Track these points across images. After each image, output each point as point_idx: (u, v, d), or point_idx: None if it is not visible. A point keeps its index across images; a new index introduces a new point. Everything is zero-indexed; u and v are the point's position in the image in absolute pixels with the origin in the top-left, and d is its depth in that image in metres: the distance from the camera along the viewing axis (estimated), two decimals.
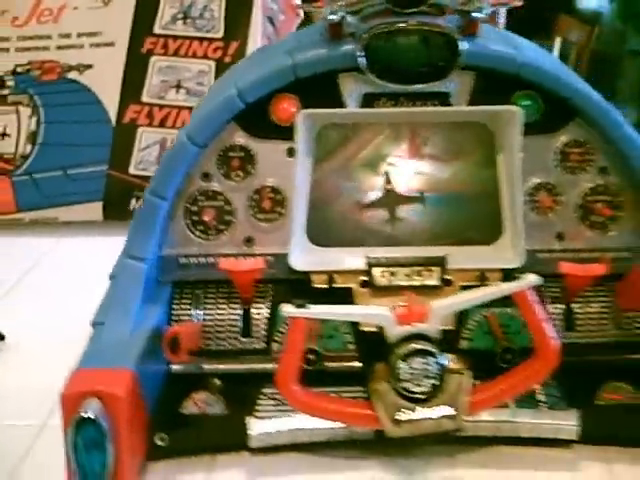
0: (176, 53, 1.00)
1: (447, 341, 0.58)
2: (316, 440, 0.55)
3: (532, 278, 0.51)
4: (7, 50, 1.03)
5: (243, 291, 0.59)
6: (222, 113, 0.59)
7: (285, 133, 0.59)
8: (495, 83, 0.59)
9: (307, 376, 0.57)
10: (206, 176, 0.61)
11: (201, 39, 0.99)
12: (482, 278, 0.60)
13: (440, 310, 0.51)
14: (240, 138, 0.60)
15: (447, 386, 0.51)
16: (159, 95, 0.99)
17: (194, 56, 0.99)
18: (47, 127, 1.00)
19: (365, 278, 0.60)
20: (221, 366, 0.59)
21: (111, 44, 1.01)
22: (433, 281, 0.59)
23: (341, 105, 0.59)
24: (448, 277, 0.59)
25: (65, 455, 0.50)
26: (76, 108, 1.00)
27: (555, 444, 0.56)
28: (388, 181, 0.62)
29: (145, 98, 0.99)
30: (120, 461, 0.50)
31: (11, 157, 1.00)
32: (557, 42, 2.97)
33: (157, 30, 1.01)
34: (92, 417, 0.49)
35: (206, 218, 0.61)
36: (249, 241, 0.62)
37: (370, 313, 0.52)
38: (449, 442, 0.55)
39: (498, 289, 0.53)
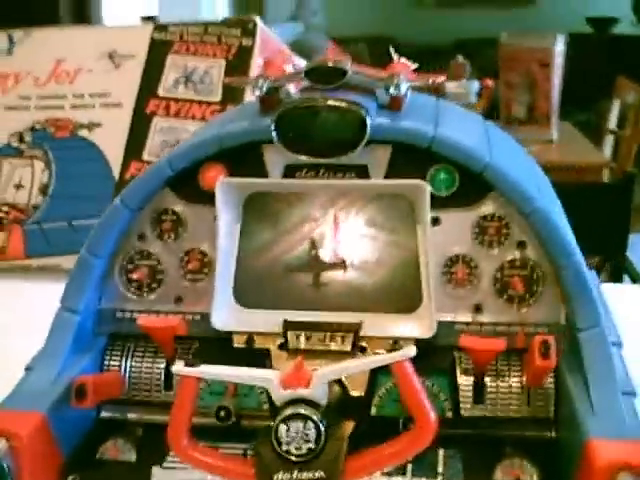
0: (177, 114, 1.06)
1: (358, 407, 0.60)
2: None
3: (409, 350, 0.52)
4: (28, 108, 1.11)
5: (163, 346, 0.63)
6: (153, 179, 0.64)
7: (213, 199, 0.63)
8: (411, 156, 0.61)
9: (221, 432, 0.60)
10: (142, 237, 0.65)
11: (200, 102, 1.05)
12: (395, 347, 0.61)
13: (322, 378, 0.53)
14: (172, 203, 0.64)
15: (325, 451, 0.52)
16: (158, 154, 1.04)
17: (193, 118, 1.05)
18: (57, 180, 1.07)
19: (282, 340, 0.62)
20: (141, 416, 0.63)
21: (119, 104, 1.08)
22: (346, 347, 0.61)
23: (265, 175, 0.63)
24: (362, 344, 0.61)
25: None
26: (84, 163, 1.07)
27: None
28: (313, 247, 0.65)
29: (146, 156, 1.05)
30: None
31: (24, 207, 1.08)
32: (616, 104, 2.94)
33: (161, 92, 1.07)
34: None
35: (140, 276, 0.65)
36: (179, 299, 0.65)
37: (256, 376, 0.54)
38: None
39: (377, 359, 0.54)
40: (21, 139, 1.10)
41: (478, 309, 0.62)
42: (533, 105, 2.58)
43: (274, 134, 0.59)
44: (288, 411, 0.52)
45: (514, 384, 0.60)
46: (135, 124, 1.07)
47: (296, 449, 0.52)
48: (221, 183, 0.61)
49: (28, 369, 0.62)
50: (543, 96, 2.58)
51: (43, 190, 1.07)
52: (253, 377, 0.54)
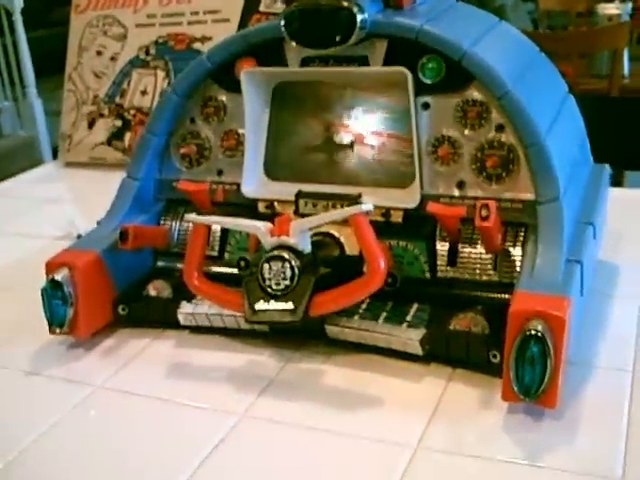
0: None
1: (353, 265, 0.71)
2: (228, 326, 0.71)
3: (364, 206, 0.62)
4: (154, 25, 1.27)
5: (201, 207, 0.76)
6: (196, 71, 0.76)
7: None
8: (404, 48, 0.69)
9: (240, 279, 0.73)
10: (192, 120, 0.79)
11: None
12: (386, 215, 0.71)
13: (298, 227, 0.64)
14: (215, 91, 0.77)
15: (297, 288, 0.64)
16: None
17: None
18: None
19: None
20: (181, 265, 0.77)
21: (227, 20, 1.21)
22: None
23: (285, 66, 0.74)
24: None
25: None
26: None
27: (411, 359, 0.66)
28: (327, 130, 0.75)
29: None
30: (77, 315, 0.70)
31: (148, 111, 1.25)
32: None
33: (262, 8, 1.19)
34: (58, 280, 0.70)
35: (189, 152, 0.79)
36: (220, 172, 0.78)
37: (249, 224, 0.66)
38: (330, 345, 0.68)
39: (340, 211, 0.65)
40: (147, 52, 1.26)
41: (461, 185, 0.70)
42: None
43: (283, 29, 0.70)
44: (272, 253, 0.64)
45: (484, 252, 0.68)
46: None
47: (275, 284, 0.64)
48: (244, 73, 0.73)
49: (98, 223, 0.79)
50: None
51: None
52: (247, 225, 0.67)
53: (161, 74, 1.25)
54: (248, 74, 0.73)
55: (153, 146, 0.79)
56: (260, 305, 0.64)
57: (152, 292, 0.75)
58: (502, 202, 0.69)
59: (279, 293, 0.64)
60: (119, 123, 1.27)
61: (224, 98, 0.77)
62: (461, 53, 0.67)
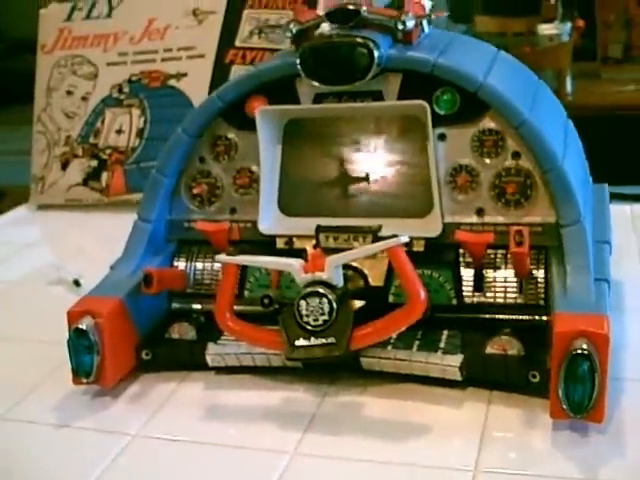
0: (252, 62, 1.18)
1: (378, 295, 0.72)
2: (259, 364, 0.71)
3: (402, 238, 0.63)
4: (125, 63, 1.26)
5: (218, 247, 0.76)
6: (207, 110, 0.77)
7: None
8: (418, 82, 0.71)
9: (265, 317, 0.73)
10: (202, 159, 0.79)
11: (272, 50, 1.17)
12: (409, 244, 0.72)
13: (333, 262, 0.65)
14: (225, 130, 0.77)
15: (336, 322, 0.64)
16: None
17: None
18: (151, 125, 1.23)
19: (315, 242, 0.74)
20: (203, 305, 0.77)
21: (202, 56, 1.22)
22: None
23: (298, 103, 0.74)
24: None
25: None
26: (173, 109, 1.21)
27: (447, 384, 0.67)
28: (341, 164, 0.76)
29: None
30: (104, 363, 0.69)
31: (124, 149, 1.24)
32: None
33: (238, 43, 1.20)
34: (83, 329, 0.69)
35: (201, 191, 0.79)
36: (233, 210, 0.79)
37: (282, 262, 0.67)
38: (363, 376, 0.69)
39: (376, 245, 0.66)
40: (120, 90, 1.25)
41: (480, 212, 0.72)
42: (629, 44, 2.54)
43: (299, 67, 0.71)
44: (308, 289, 0.65)
45: (509, 275, 0.70)
46: (216, 72, 1.20)
47: (313, 320, 0.64)
48: (260, 111, 0.74)
49: (112, 268, 0.78)
50: None
51: (139, 134, 1.23)
52: (280, 263, 0.67)
53: (136, 112, 1.24)
54: (263, 112, 0.74)
55: (164, 187, 0.78)
56: (300, 342, 0.64)
57: (175, 335, 0.74)
58: (522, 226, 0.71)
59: (318, 329, 0.64)
60: (94, 163, 1.25)
61: (234, 136, 0.78)
62: (477, 85, 0.69)
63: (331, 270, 0.65)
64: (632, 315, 0.77)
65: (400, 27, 0.71)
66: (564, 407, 0.59)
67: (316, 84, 0.72)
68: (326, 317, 0.64)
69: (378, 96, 0.72)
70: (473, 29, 3.40)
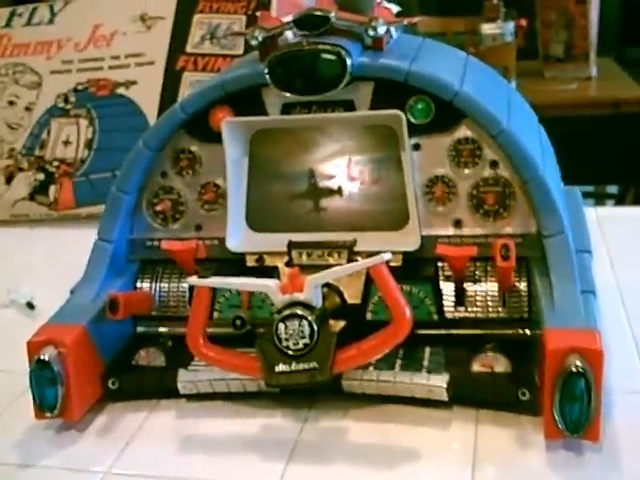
0: (204, 68, 1.14)
1: (355, 313, 0.69)
2: (233, 390, 0.67)
3: (385, 255, 0.60)
4: (70, 71, 1.21)
5: (185, 267, 0.72)
6: (169, 122, 0.73)
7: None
8: (391, 90, 0.68)
9: (238, 339, 0.70)
10: (164, 174, 0.75)
11: (224, 56, 1.14)
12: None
13: (312, 282, 0.61)
14: (188, 143, 0.74)
15: (318, 345, 0.61)
16: None
17: (219, 71, 1.13)
18: (100, 135, 1.18)
19: (288, 258, 0.71)
20: (170, 329, 0.73)
21: (152, 63, 1.17)
22: (342, 261, 0.70)
23: (265, 114, 0.71)
24: (356, 258, 0.70)
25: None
26: (123, 118, 1.17)
27: (432, 405, 0.64)
28: (312, 176, 0.73)
29: None
30: (68, 395, 0.65)
31: (72, 161, 1.18)
32: None
33: (189, 49, 1.16)
34: (45, 360, 0.64)
35: (164, 208, 0.75)
36: (199, 227, 0.75)
37: (258, 284, 0.63)
38: (344, 399, 0.66)
39: (357, 264, 0.63)
40: (66, 100, 1.20)
41: (458, 223, 0.70)
42: (571, 43, 2.58)
43: (267, 77, 0.68)
44: (286, 312, 0.61)
45: (491, 288, 0.68)
46: (167, 79, 1.15)
47: (294, 344, 0.61)
48: (225, 123, 0.70)
49: (72, 292, 0.73)
50: (580, 33, 2.58)
51: (88, 145, 1.18)
52: (256, 284, 0.64)
53: (84, 122, 1.19)
54: (228, 124, 0.70)
55: (124, 204, 0.74)
56: (280, 368, 0.61)
57: (143, 361, 0.70)
58: (501, 237, 0.69)
59: (299, 353, 0.61)
60: (41, 176, 1.19)
61: (198, 149, 0.74)
62: (453, 93, 0.67)
63: (310, 290, 0.62)
64: (610, 323, 0.76)
65: (371, 33, 0.68)
66: (560, 427, 0.57)
67: (285, 94, 0.69)
68: (307, 340, 0.61)
69: (349, 105, 0.70)
70: (414, 29, 3.42)
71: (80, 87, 1.20)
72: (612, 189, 2.97)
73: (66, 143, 1.19)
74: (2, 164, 1.21)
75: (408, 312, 0.60)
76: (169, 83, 1.15)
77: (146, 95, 1.16)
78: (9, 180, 1.21)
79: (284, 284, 0.62)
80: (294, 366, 0.61)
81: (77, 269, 0.83)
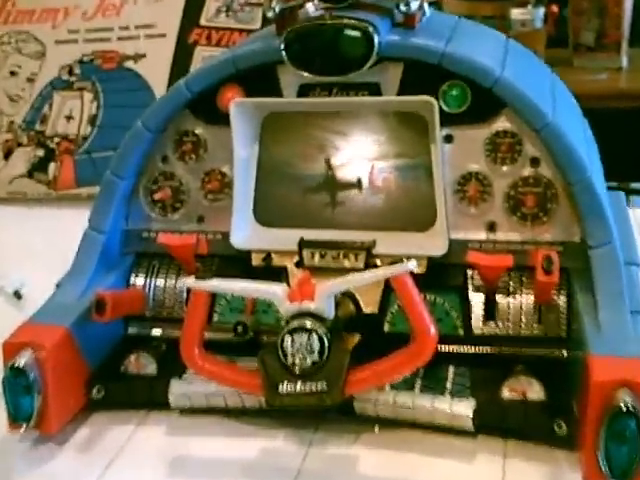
0: (218, 43, 1.06)
1: (371, 324, 0.62)
2: (231, 406, 0.60)
3: (410, 264, 0.53)
4: (76, 41, 1.13)
5: (184, 264, 0.65)
6: (172, 101, 0.65)
7: None
8: (422, 74, 0.60)
9: (240, 347, 0.63)
10: (164, 159, 0.67)
11: (241, 30, 1.06)
12: None
13: (325, 290, 0.54)
14: (192, 125, 0.66)
15: (328, 364, 0.54)
16: None
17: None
18: (105, 111, 1.10)
19: (298, 258, 0.63)
20: (165, 332, 0.66)
21: (163, 35, 1.09)
22: (359, 264, 0.62)
23: (280, 95, 0.63)
24: (375, 261, 0.62)
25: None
26: (130, 94, 1.09)
27: (454, 432, 0.57)
28: (329, 167, 0.65)
29: None
30: (46, 405, 0.58)
31: (74, 138, 1.11)
32: None
33: (203, 22, 1.08)
34: (21, 367, 0.57)
35: (163, 196, 0.67)
36: (201, 219, 0.67)
37: (263, 289, 0.56)
38: (355, 421, 0.58)
39: (377, 272, 0.55)
40: (71, 72, 1.12)
41: (492, 227, 0.62)
42: (602, 32, 2.47)
43: (283, 53, 0.60)
44: (293, 324, 0.54)
45: (526, 302, 0.60)
46: (178, 54, 1.08)
47: (300, 361, 0.54)
48: (235, 103, 0.62)
49: (58, 285, 0.66)
50: (613, 22, 2.48)
51: (92, 121, 1.10)
52: (261, 290, 0.56)
53: (88, 97, 1.11)
54: (238, 105, 0.62)
55: (119, 191, 0.66)
56: (285, 387, 0.54)
57: (132, 368, 0.63)
58: (540, 245, 0.61)
59: (307, 372, 0.54)
60: (41, 153, 1.11)
61: (203, 132, 0.66)
62: (493, 80, 0.59)
63: (322, 300, 0.54)
64: None
65: (403, 9, 0.60)
66: (603, 470, 0.49)
67: (303, 74, 0.61)
68: (316, 357, 0.54)
69: (375, 89, 0.62)
70: (438, 8, 3.32)
71: (86, 59, 1.12)
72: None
73: (68, 118, 1.11)
74: (0, 138, 1.14)
75: (433, 330, 0.53)
76: (180, 58, 1.07)
77: (155, 70, 1.08)
78: (7, 155, 1.13)
79: (292, 291, 0.54)
80: (300, 387, 0.53)
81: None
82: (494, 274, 0.59)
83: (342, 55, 0.59)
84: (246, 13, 1.06)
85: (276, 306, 0.56)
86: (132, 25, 1.11)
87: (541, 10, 2.31)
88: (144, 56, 1.10)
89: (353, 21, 0.58)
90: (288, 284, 0.63)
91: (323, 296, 0.54)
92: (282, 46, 0.60)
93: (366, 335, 0.60)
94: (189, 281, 0.56)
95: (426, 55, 0.59)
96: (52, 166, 1.11)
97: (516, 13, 2.30)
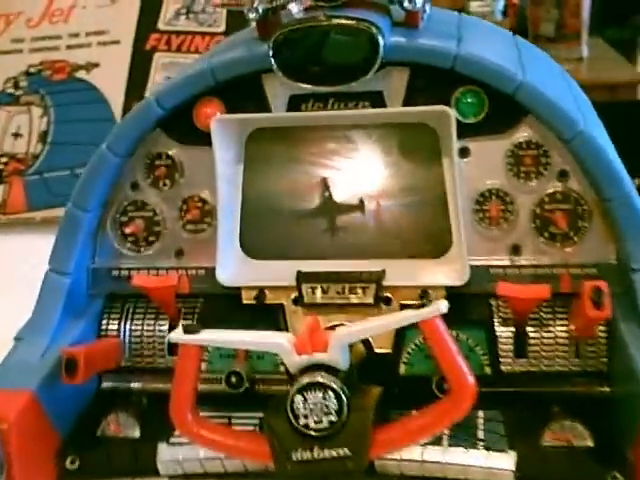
0: (179, 49, 0.98)
1: (385, 366, 0.54)
2: (230, 471, 0.52)
3: (441, 305, 0.45)
4: (21, 51, 1.04)
5: (164, 307, 0.56)
6: (142, 120, 0.56)
7: (211, 139, 0.56)
8: (432, 79, 0.53)
9: (234, 399, 0.54)
10: (134, 186, 0.59)
11: (203, 34, 0.97)
12: (424, 296, 0.54)
13: (340, 340, 0.46)
14: (165, 146, 0.58)
15: (349, 424, 0.46)
16: None
17: (196, 51, 0.97)
18: (56, 127, 1.01)
19: (296, 294, 0.55)
20: (145, 384, 0.57)
21: (117, 42, 1.01)
22: (368, 299, 0.54)
23: (267, 109, 0.55)
24: (386, 294, 0.55)
25: None
26: (83, 107, 1.01)
27: None
28: (326, 188, 0.57)
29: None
30: None
31: (24, 157, 1.02)
32: None
33: (161, 26, 1.00)
34: None
35: (135, 229, 0.59)
36: (180, 253, 0.59)
37: (266, 342, 0.48)
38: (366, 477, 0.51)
39: (404, 316, 0.47)
40: (16, 85, 1.03)
41: (516, 250, 0.55)
42: (562, 22, 2.44)
43: (272, 61, 0.52)
44: (304, 380, 0.46)
45: (560, 334, 0.53)
46: (135, 62, 1.00)
47: (316, 423, 0.46)
48: (217, 120, 0.54)
49: (17, 339, 0.57)
50: (572, 12, 2.45)
51: (42, 138, 1.02)
52: (263, 343, 0.48)
53: (37, 112, 1.02)
54: (220, 122, 0.54)
55: (84, 225, 0.58)
56: (299, 455, 0.46)
57: (111, 431, 0.54)
58: (570, 268, 0.54)
59: (324, 434, 0.46)
60: None
61: (177, 153, 0.58)
62: (515, 84, 0.51)
63: (337, 350, 0.46)
64: None
65: (407, 5, 0.52)
66: None
67: (295, 83, 0.53)
68: (333, 417, 0.46)
69: (377, 99, 0.54)
70: None
71: (33, 70, 1.04)
72: None
73: (16, 135, 1.03)
74: None
75: (472, 381, 0.45)
76: (138, 66, 1.00)
77: (110, 80, 1.01)
78: None
79: (301, 341, 0.46)
80: (317, 453, 0.46)
81: (31, 285, 0.69)
82: (528, 307, 0.52)
83: (342, 61, 0.51)
84: (208, 15, 0.98)
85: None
86: (82, 32, 1.03)
87: (501, 2, 2.27)
88: (97, 65, 1.02)
89: (352, 21, 0.50)
90: (286, 325, 0.56)
91: (337, 346, 0.46)
92: (270, 52, 0.51)
93: (379, 379, 0.52)
94: (176, 336, 0.48)
95: (437, 58, 0.52)
96: (0, 189, 1.01)
97: (475, 6, 2.25)
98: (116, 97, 0.99)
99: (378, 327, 0.48)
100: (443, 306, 0.45)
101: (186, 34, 0.99)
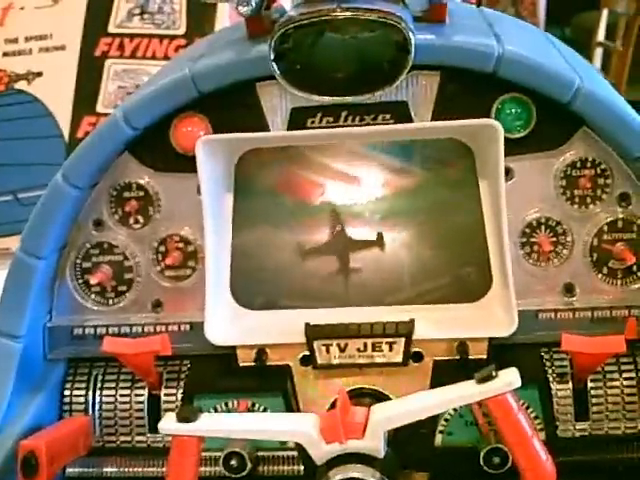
0: (133, 55, 0.87)
1: (418, 436, 0.44)
2: None
3: (512, 377, 0.36)
4: None
5: (141, 373, 0.46)
6: (106, 142, 0.46)
7: (193, 164, 0.45)
8: (468, 86, 0.44)
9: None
10: (98, 223, 0.48)
11: (161, 37, 0.86)
12: (463, 351, 0.45)
13: (380, 425, 0.36)
14: (136, 173, 0.47)
15: None
16: (116, 104, 0.86)
17: (154, 57, 0.86)
18: None
19: (306, 352, 0.45)
20: (120, 469, 0.47)
21: (62, 47, 0.90)
22: (396, 357, 0.45)
23: (263, 125, 0.45)
24: (417, 350, 0.45)
25: None
26: (25, 122, 0.89)
27: None
28: (337, 220, 0.47)
29: (100, 108, 0.87)
30: None
31: None
32: (604, 13, 2.76)
33: (112, 29, 0.88)
34: None
35: (101, 278, 0.48)
36: (157, 305, 0.48)
37: (286, 430, 0.37)
38: None
39: (460, 395, 0.37)
40: None
41: (569, 290, 0.46)
42: (518, 17, 2.41)
43: (273, 66, 0.42)
44: (335, 476, 0.36)
45: (627, 390, 0.45)
46: (83, 70, 0.88)
47: None
48: (203, 142, 0.44)
49: None
50: (528, 10, 2.42)
51: None
52: (281, 432, 0.38)
53: None
54: (207, 144, 0.43)
55: (37, 275, 0.47)
56: None
57: None
58: (635, 309, 0.45)
59: None
60: None
61: (151, 183, 0.47)
62: (572, 91, 0.42)
63: (375, 437, 0.36)
64: None
65: None
66: None
67: (302, 94, 0.42)
68: None
69: (402, 111, 0.44)
70: None
71: None
72: None
73: None
74: None
75: (550, 468, 0.36)
76: (87, 74, 0.88)
77: (56, 91, 0.89)
78: None
79: (330, 425, 0.36)
80: None
81: None
82: (596, 362, 0.43)
83: (362, 65, 0.41)
84: (166, 15, 0.87)
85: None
86: (21, 37, 0.91)
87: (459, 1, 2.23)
88: (40, 75, 0.90)
89: (378, 14, 0.40)
90: (294, 391, 0.45)
91: (378, 432, 0.36)
92: (270, 55, 0.41)
93: (410, 453, 0.43)
94: (169, 425, 0.37)
95: (476, 60, 0.43)
96: None
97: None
98: (63, 110, 0.88)
99: (430, 408, 0.38)
100: (515, 379, 0.36)
101: (141, 37, 0.87)
